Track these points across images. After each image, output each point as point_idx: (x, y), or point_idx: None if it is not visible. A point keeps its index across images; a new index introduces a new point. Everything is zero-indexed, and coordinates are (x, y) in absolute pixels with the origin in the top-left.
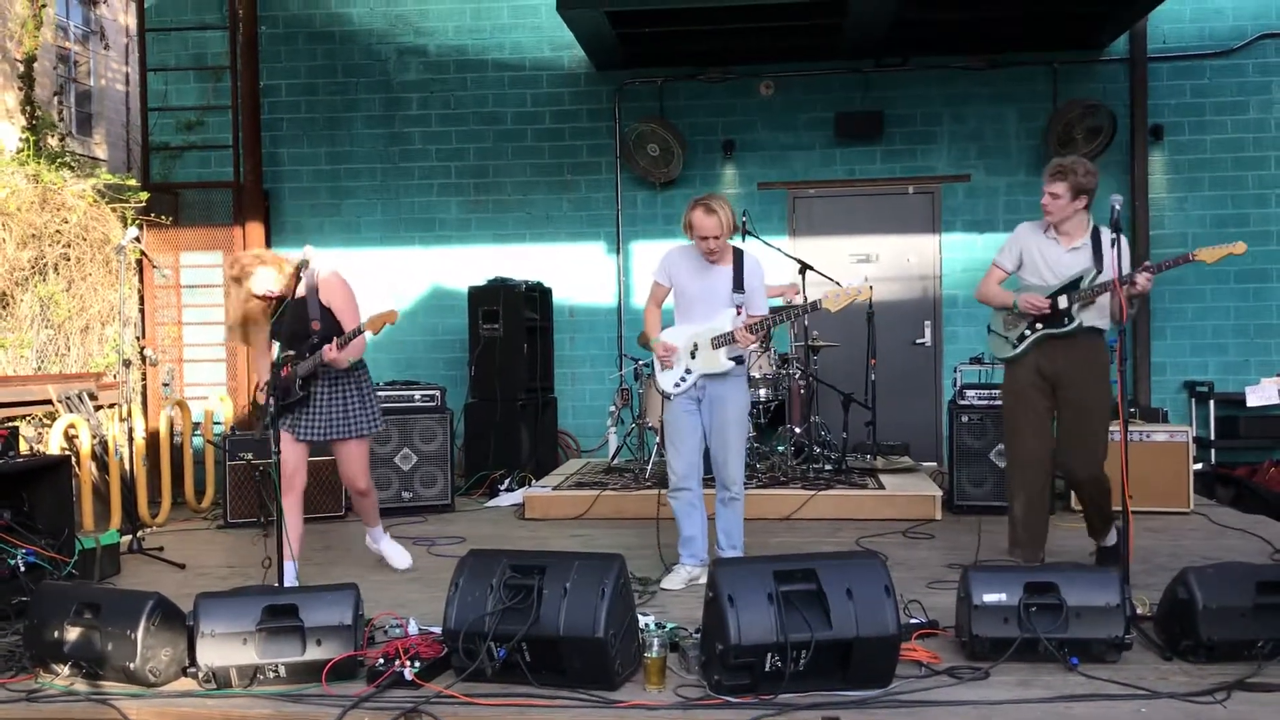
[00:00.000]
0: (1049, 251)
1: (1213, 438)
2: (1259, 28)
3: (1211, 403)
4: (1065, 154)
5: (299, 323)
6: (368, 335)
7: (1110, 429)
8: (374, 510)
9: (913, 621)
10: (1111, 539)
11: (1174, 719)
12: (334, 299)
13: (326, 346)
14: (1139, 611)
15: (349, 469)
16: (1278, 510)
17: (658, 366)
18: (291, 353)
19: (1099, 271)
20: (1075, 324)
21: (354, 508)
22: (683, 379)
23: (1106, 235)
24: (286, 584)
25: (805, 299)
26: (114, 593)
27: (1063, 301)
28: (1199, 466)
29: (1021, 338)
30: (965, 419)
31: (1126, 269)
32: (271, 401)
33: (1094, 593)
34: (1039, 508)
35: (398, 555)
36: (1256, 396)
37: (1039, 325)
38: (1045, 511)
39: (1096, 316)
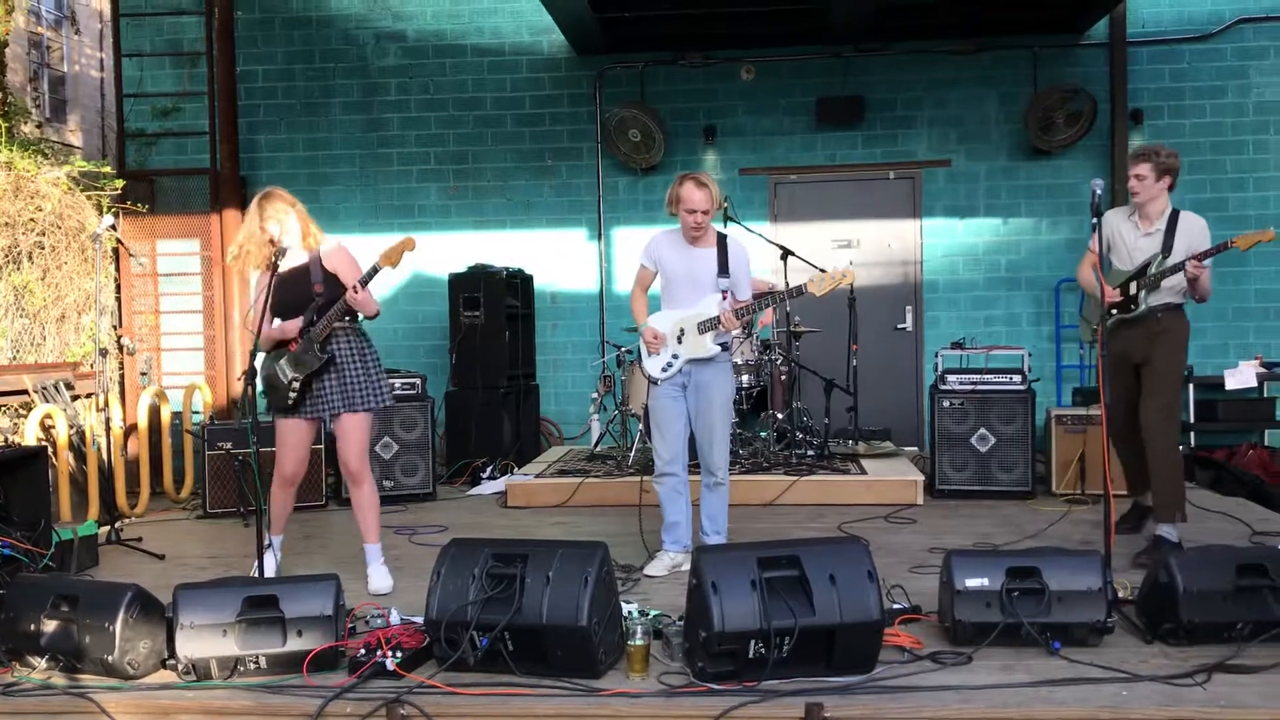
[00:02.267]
0: (1128, 235)
1: (1192, 421)
2: (1237, 12)
3: (1190, 386)
4: (1046, 139)
5: (299, 289)
6: (385, 271)
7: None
8: (374, 511)
9: (895, 607)
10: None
11: (1155, 701)
12: (340, 265)
13: (350, 289)
14: (1120, 595)
15: (347, 447)
16: (1256, 493)
17: (644, 351)
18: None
19: (1165, 257)
20: (1143, 308)
21: (354, 506)
22: (669, 364)
23: (1183, 219)
24: (268, 569)
25: (788, 284)
26: (92, 584)
27: (1132, 288)
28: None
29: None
30: (946, 404)
31: (1205, 248)
32: (250, 389)
33: (1076, 577)
34: (1130, 461)
35: (379, 579)
36: (1235, 380)
37: (1114, 311)
38: (1135, 462)
39: (1168, 295)
